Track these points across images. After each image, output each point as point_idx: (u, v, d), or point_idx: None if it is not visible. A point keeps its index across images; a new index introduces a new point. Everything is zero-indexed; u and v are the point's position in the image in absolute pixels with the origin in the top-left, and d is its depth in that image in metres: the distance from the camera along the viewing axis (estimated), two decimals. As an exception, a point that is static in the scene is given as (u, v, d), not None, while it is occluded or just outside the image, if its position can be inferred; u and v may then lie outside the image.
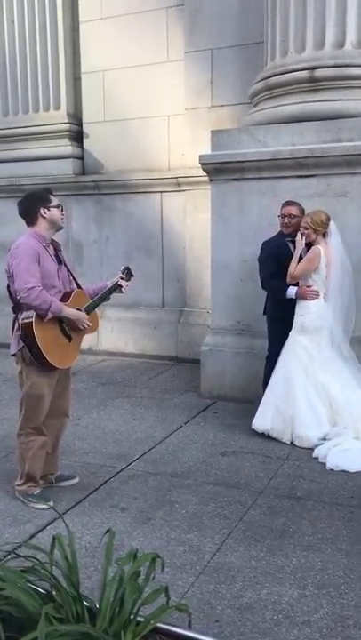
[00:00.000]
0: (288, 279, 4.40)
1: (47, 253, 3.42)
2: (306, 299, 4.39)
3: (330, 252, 4.36)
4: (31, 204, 3.45)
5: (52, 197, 3.47)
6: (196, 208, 6.57)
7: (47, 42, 7.50)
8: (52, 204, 3.44)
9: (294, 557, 2.90)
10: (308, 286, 4.39)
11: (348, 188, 4.85)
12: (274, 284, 4.59)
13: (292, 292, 4.44)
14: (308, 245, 4.47)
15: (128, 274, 3.82)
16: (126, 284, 3.74)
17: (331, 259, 4.36)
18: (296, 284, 4.43)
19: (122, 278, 3.73)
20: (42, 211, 3.42)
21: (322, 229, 4.35)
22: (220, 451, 4.30)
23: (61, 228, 3.56)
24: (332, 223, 4.38)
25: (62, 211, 3.52)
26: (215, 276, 5.49)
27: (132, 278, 3.84)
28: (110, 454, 4.25)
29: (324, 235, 4.38)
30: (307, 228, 4.36)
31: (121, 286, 3.72)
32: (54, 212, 3.44)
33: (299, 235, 4.41)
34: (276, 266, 4.55)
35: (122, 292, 3.75)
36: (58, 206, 3.47)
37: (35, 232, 3.43)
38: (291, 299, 4.45)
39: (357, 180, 4.82)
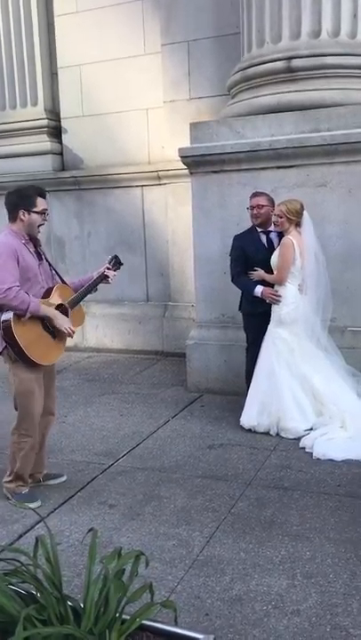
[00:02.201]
0: (277, 282, 4.41)
1: (27, 250, 3.40)
2: (266, 301, 4.43)
3: (302, 241, 4.36)
4: (14, 202, 3.41)
5: (37, 202, 3.40)
6: (178, 201, 6.55)
7: (22, 37, 7.42)
8: (34, 209, 3.38)
9: (283, 548, 2.92)
10: (274, 290, 4.41)
11: (328, 178, 4.85)
12: (242, 280, 4.63)
13: (258, 290, 4.48)
14: (280, 235, 4.48)
15: (116, 263, 3.76)
16: (113, 273, 3.68)
17: (303, 248, 4.36)
18: (263, 284, 4.47)
19: (108, 268, 3.68)
20: (21, 213, 3.38)
21: (295, 219, 4.35)
22: (207, 444, 4.30)
23: (35, 235, 3.46)
24: (305, 213, 4.39)
25: (45, 217, 3.45)
26: (198, 269, 5.48)
27: (120, 267, 3.79)
28: (97, 451, 4.24)
29: (297, 224, 4.38)
30: (281, 217, 4.37)
31: (107, 276, 3.65)
32: (33, 218, 3.39)
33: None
34: (246, 261, 4.58)
35: (108, 282, 3.69)
36: (42, 212, 3.41)
37: (12, 230, 3.41)
38: None
39: (336, 170, 4.82)
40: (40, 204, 3.42)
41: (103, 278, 3.65)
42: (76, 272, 6.95)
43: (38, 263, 3.46)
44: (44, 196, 3.46)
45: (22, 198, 3.40)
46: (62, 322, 3.41)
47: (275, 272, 4.42)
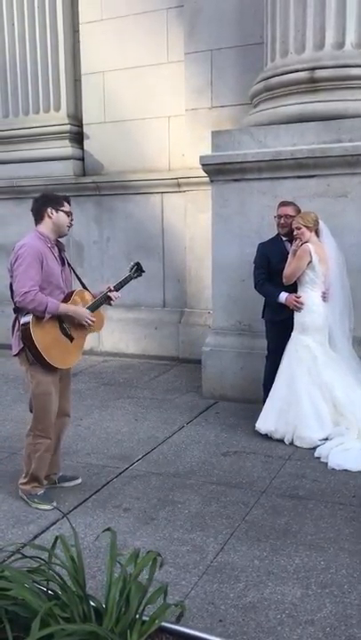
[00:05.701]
0: (283, 281, 4.42)
1: (52, 254, 3.43)
2: (290, 307, 4.42)
3: (322, 249, 4.39)
4: (42, 202, 3.49)
5: (65, 203, 3.50)
6: (197, 208, 6.58)
7: (47, 43, 7.51)
8: (62, 208, 3.47)
9: (297, 557, 2.91)
10: (297, 297, 4.40)
11: (349, 189, 4.86)
12: (266, 287, 4.63)
13: (282, 297, 4.47)
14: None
15: (138, 270, 3.80)
16: (117, 295, 3.68)
17: (324, 256, 4.38)
18: (288, 290, 4.45)
19: (111, 290, 3.67)
20: (50, 210, 3.44)
21: (314, 226, 4.39)
22: (222, 451, 4.30)
23: (64, 234, 3.55)
24: (321, 222, 4.42)
25: (72, 220, 3.53)
26: (216, 276, 5.50)
27: (142, 274, 3.84)
28: (112, 455, 4.26)
29: (316, 233, 4.41)
30: (299, 228, 4.38)
31: (110, 298, 3.66)
32: (61, 216, 3.47)
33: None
34: (270, 269, 4.59)
35: (110, 304, 3.69)
36: (68, 214, 3.50)
37: (40, 232, 3.45)
38: None
39: (357, 181, 4.82)
40: (66, 205, 3.51)
41: (106, 299, 3.66)
42: (94, 277, 7.00)
43: (61, 268, 3.50)
44: (69, 202, 3.56)
45: (50, 199, 3.50)
46: (82, 314, 3.44)
47: None
